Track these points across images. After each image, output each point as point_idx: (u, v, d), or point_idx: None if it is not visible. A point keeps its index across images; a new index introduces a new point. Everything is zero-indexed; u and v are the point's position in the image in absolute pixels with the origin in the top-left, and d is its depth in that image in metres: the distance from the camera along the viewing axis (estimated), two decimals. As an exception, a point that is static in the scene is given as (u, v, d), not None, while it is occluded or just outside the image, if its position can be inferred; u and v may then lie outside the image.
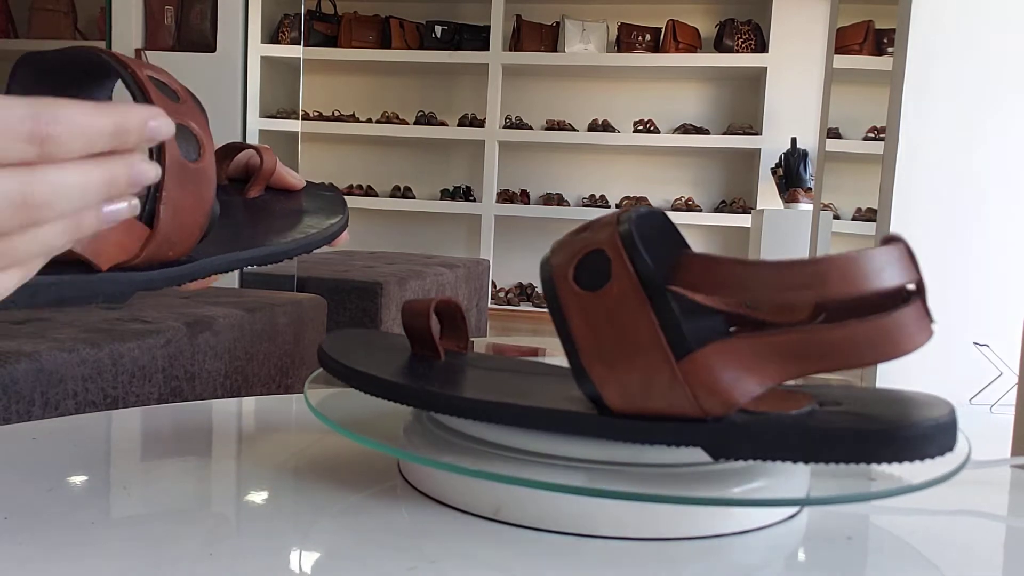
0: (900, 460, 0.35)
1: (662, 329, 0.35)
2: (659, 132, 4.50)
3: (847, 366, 0.34)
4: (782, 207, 3.60)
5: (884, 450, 0.34)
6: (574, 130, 4.58)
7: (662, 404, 0.36)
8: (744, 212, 4.37)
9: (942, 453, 0.35)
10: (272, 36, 4.21)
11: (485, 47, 4.53)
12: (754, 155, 4.39)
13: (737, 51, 4.34)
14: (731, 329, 0.40)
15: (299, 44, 4.01)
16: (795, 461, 0.35)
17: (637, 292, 0.35)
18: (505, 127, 4.59)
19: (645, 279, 0.36)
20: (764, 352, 0.34)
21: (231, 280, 1.94)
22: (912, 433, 0.35)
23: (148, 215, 0.38)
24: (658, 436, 0.36)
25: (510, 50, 4.56)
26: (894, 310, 0.33)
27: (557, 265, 0.38)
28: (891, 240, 0.34)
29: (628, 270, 0.36)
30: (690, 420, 0.36)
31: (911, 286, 0.34)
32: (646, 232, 0.37)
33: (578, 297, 0.37)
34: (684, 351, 0.35)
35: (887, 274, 0.33)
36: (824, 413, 0.37)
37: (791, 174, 3.50)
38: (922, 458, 0.35)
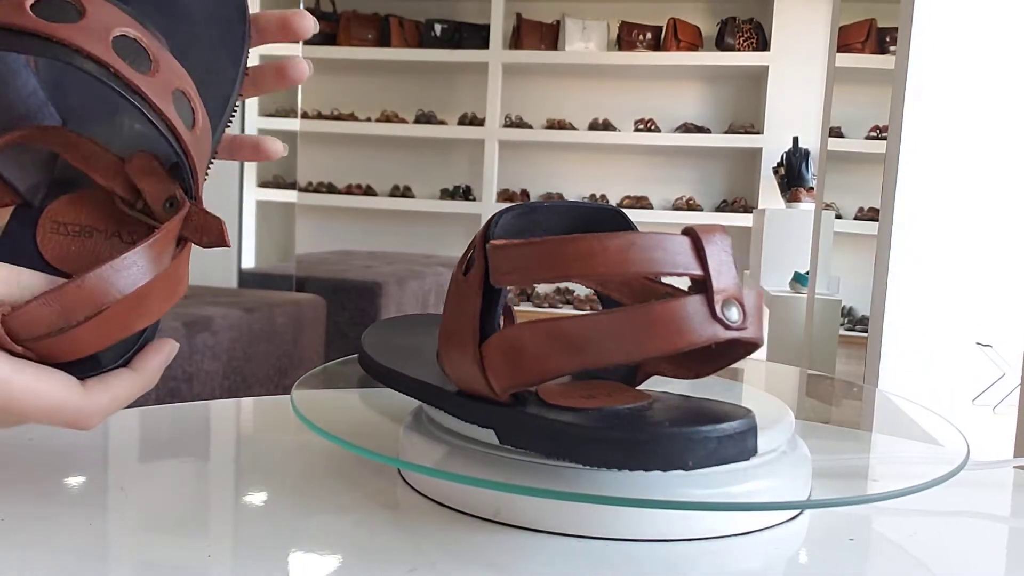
0: (608, 466, 0.34)
1: (482, 314, 0.37)
2: (660, 131, 4.50)
3: (608, 359, 0.33)
4: (784, 207, 3.60)
5: (591, 453, 0.34)
6: (574, 129, 4.58)
7: (472, 384, 0.37)
8: (746, 211, 4.37)
9: (663, 468, 0.33)
10: (272, 35, 4.20)
11: (485, 45, 4.53)
12: (755, 154, 4.39)
13: (738, 50, 4.34)
14: None
15: (298, 42, 3.99)
16: (545, 455, 0.36)
17: (479, 279, 0.37)
18: (505, 126, 4.59)
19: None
20: (533, 340, 0.34)
21: (229, 280, 1.94)
22: (625, 439, 0.33)
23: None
24: (470, 415, 0.39)
25: (510, 49, 4.55)
26: (640, 305, 0.33)
27: (462, 256, 0.41)
28: (685, 232, 0.34)
29: (481, 260, 0.38)
30: (496, 403, 0.37)
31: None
32: (533, 224, 0.39)
33: (455, 282, 0.40)
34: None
35: (601, 261, 0.32)
36: (604, 414, 0.36)
37: (793, 173, 3.49)
38: (645, 469, 0.33)
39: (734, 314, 0.33)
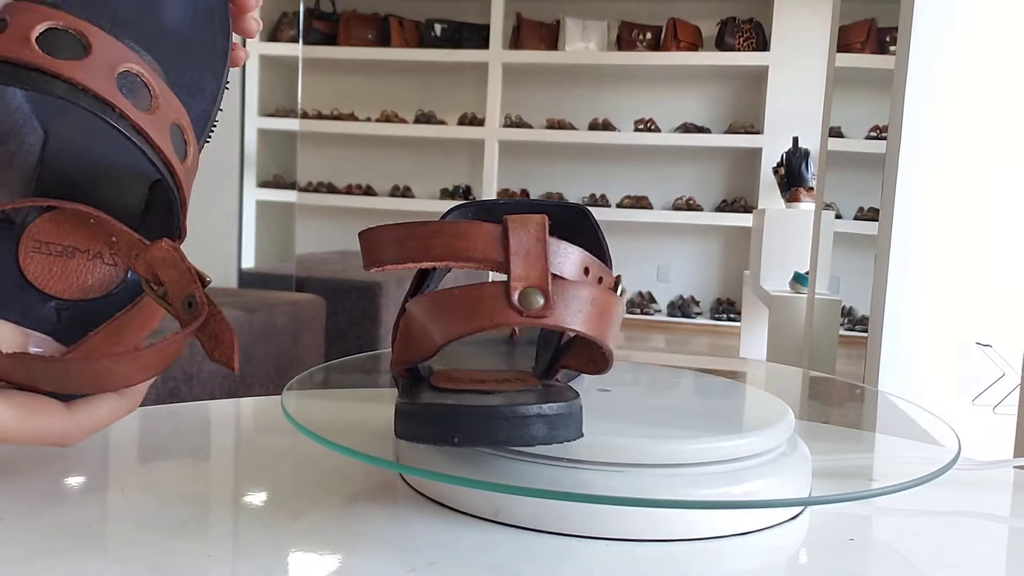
0: (407, 438, 0.35)
1: (411, 296, 0.39)
2: (660, 131, 4.50)
3: (437, 337, 0.34)
4: (784, 206, 3.60)
5: (397, 425, 0.35)
6: (574, 129, 4.58)
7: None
8: (746, 211, 4.37)
9: (432, 442, 0.35)
10: (271, 34, 4.21)
11: (485, 45, 4.53)
12: (755, 154, 4.39)
13: (738, 50, 4.34)
14: None
15: (298, 42, 4.00)
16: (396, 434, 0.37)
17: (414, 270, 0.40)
18: (505, 126, 4.59)
19: None
20: (407, 319, 0.36)
21: (229, 280, 1.94)
22: (428, 413, 0.34)
23: (178, 231, 0.40)
24: (400, 393, 0.40)
25: (510, 49, 4.55)
26: (445, 289, 0.35)
27: None
28: (500, 221, 0.34)
29: None
30: (407, 383, 0.38)
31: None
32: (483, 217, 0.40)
33: None
34: None
35: (408, 247, 0.34)
36: (450, 394, 0.37)
37: (793, 173, 3.49)
38: (417, 440, 0.35)
39: (534, 301, 0.33)
